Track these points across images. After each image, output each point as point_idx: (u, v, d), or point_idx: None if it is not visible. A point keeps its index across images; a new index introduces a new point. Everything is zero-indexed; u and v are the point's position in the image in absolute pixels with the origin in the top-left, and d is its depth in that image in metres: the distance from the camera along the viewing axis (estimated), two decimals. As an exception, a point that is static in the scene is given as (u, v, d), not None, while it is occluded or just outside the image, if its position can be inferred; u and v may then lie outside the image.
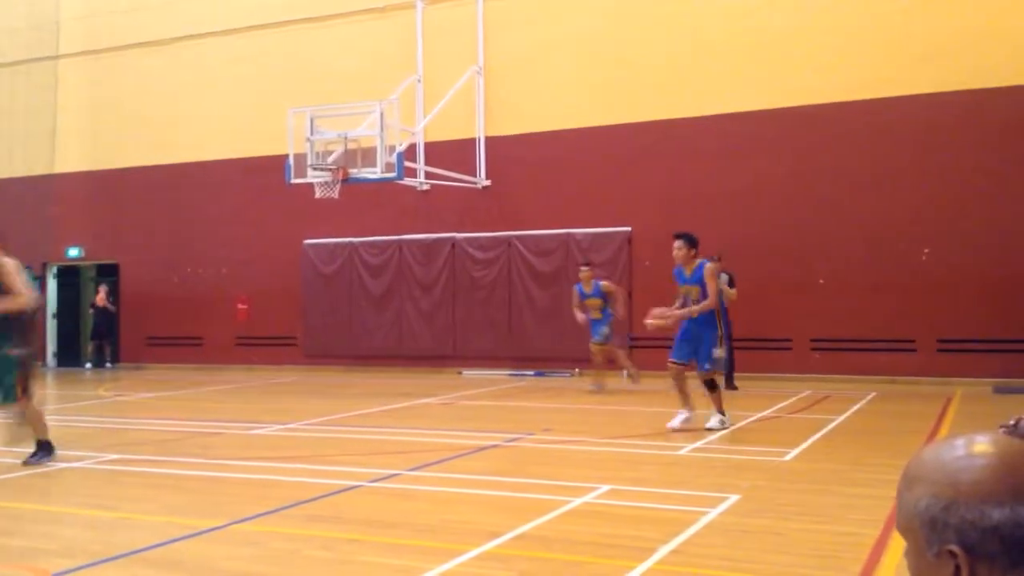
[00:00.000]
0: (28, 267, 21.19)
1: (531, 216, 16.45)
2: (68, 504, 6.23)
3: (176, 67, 19.76)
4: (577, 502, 5.87)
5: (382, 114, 14.09)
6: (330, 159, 14.29)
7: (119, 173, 20.20)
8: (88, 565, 4.62)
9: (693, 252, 9.20)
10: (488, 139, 17.04)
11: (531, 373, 16.14)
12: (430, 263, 17.37)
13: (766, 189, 15.01)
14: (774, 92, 15.04)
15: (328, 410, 11.46)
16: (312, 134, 14.30)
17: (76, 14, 20.83)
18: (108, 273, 20.55)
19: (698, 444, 8.29)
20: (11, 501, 6.17)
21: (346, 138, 14.15)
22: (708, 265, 9.15)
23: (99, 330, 20.05)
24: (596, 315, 13.13)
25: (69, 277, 21.33)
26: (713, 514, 5.50)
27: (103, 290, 20.05)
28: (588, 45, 16.45)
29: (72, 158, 20.80)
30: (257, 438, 9.23)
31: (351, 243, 18.05)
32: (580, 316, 13.29)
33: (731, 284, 12.52)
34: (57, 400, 14.41)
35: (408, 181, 15.76)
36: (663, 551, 4.70)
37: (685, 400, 9.12)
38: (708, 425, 8.95)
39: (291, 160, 14.64)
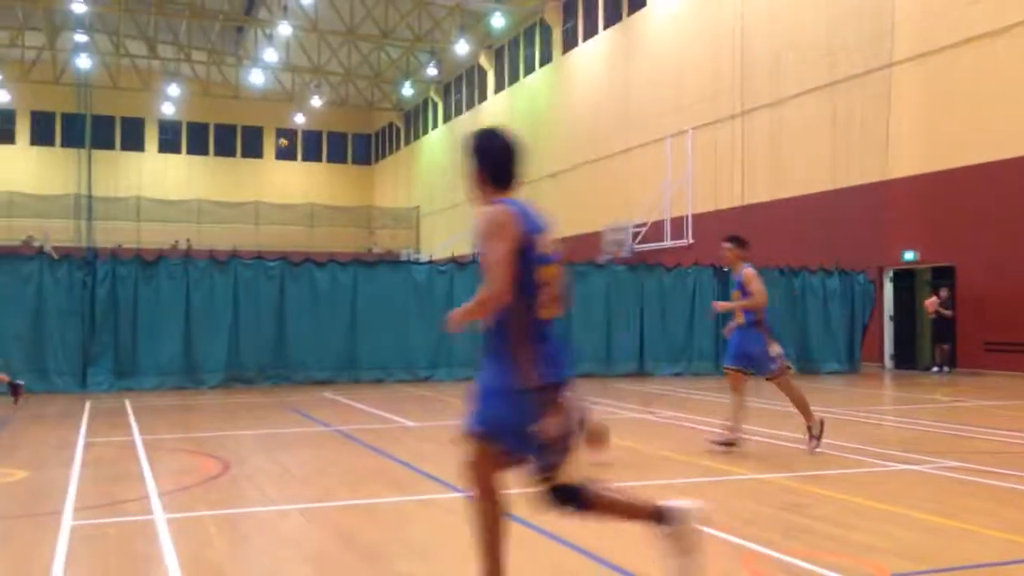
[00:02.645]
0: (863, 271, 22.34)
1: None
2: (906, 505, 6.30)
3: (1010, 57, 18.54)
4: None
5: None
6: None
7: (953, 173, 19.80)
8: (928, 571, 4.60)
9: None
10: None
11: None
12: None
13: None
14: None
15: None
16: None
17: (908, 22, 21.11)
18: (943, 276, 20.29)
19: None
20: (852, 495, 6.53)
21: None
22: None
23: (937, 333, 19.92)
24: (739, 318, 8.82)
25: (904, 280, 21.72)
26: None
27: (939, 295, 19.80)
28: None
29: (904, 162, 21.12)
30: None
31: None
32: (729, 326, 9.00)
33: None
34: (892, 402, 14.81)
35: None
36: None
37: None
38: None
39: None
